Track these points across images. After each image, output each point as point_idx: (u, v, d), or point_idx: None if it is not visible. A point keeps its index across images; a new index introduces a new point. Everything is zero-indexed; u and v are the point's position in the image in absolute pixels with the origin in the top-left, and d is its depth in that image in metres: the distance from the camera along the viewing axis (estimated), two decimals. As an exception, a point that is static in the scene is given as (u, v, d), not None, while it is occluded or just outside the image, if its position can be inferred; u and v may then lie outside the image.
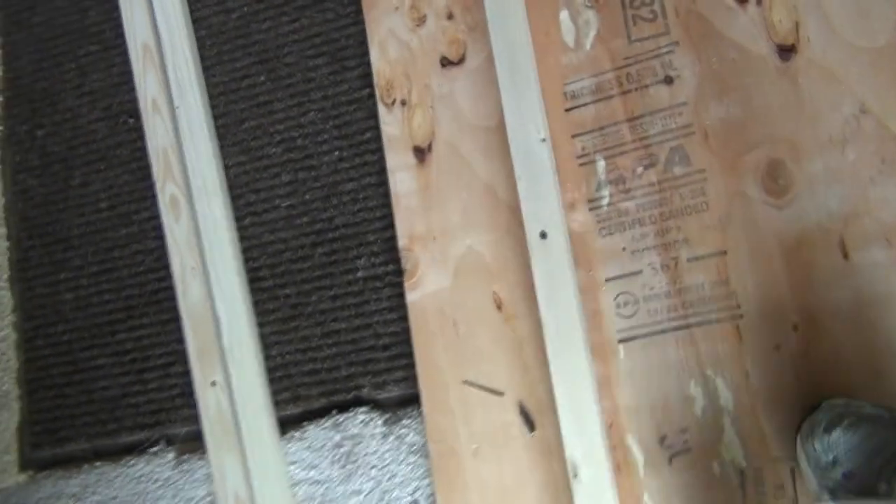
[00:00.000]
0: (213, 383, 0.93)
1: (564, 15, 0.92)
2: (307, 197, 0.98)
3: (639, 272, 0.84)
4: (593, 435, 0.80)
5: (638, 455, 0.81)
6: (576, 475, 0.79)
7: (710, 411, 0.80)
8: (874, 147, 0.80)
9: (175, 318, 0.98)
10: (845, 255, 0.79)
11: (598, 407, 0.81)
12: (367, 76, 0.99)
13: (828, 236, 0.80)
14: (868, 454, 0.67)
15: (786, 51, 0.85)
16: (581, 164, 0.89)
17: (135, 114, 1.02)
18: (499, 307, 0.88)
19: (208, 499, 0.93)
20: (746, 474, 0.77)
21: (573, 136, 0.90)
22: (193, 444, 0.96)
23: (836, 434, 0.69)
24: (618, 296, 0.84)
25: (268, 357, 0.96)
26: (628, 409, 0.82)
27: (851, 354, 0.77)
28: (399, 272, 0.92)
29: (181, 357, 0.97)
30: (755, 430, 0.78)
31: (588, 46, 0.91)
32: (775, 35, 0.85)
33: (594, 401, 0.81)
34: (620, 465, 0.81)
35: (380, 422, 0.90)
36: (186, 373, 0.96)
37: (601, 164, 0.88)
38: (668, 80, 0.88)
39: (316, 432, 0.92)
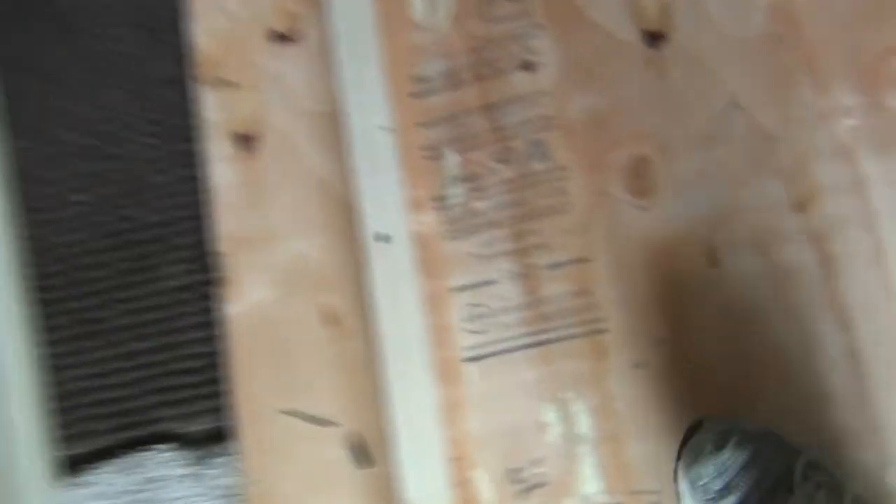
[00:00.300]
0: (-22, 417, 0.76)
1: (416, -10, 0.81)
2: (107, 191, 0.82)
3: (491, 281, 0.74)
4: (435, 470, 0.68)
5: (486, 492, 0.69)
6: (413, 520, 0.67)
7: (568, 439, 0.69)
8: (745, 145, 0.73)
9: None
10: (713, 263, 0.71)
11: (442, 438, 0.70)
12: (185, 52, 0.84)
13: (695, 242, 0.72)
14: (759, 475, 0.59)
15: (654, 37, 0.77)
16: (429, 158, 0.77)
17: None
18: (331, 322, 0.75)
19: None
20: (607, 512, 0.67)
21: (421, 126, 0.78)
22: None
23: (726, 454, 0.59)
24: (467, 308, 0.73)
25: (53, 384, 0.79)
26: (476, 439, 0.70)
27: (721, 371, 0.69)
28: (215, 281, 0.78)
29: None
30: (617, 459, 0.68)
31: (441, 25, 0.80)
32: (643, 20, 0.77)
33: (437, 431, 0.69)
34: (466, 503, 0.69)
35: (182, 460, 0.75)
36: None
37: (452, 157, 0.77)
38: (529, 67, 0.78)
39: (110, 475, 0.76)
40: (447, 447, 0.70)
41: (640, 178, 0.74)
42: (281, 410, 0.73)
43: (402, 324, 0.72)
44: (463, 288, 0.74)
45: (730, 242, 0.71)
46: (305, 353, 0.75)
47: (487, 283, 0.73)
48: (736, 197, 0.72)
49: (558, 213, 0.74)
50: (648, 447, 0.68)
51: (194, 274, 0.79)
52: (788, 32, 0.74)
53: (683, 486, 0.63)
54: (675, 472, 0.64)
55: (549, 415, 0.70)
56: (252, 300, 0.77)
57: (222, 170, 0.80)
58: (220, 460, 0.75)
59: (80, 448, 0.77)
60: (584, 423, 0.69)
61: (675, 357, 0.69)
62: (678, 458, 0.64)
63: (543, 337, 0.71)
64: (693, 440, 0.63)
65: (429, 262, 0.74)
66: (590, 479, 0.68)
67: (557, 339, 0.71)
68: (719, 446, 0.60)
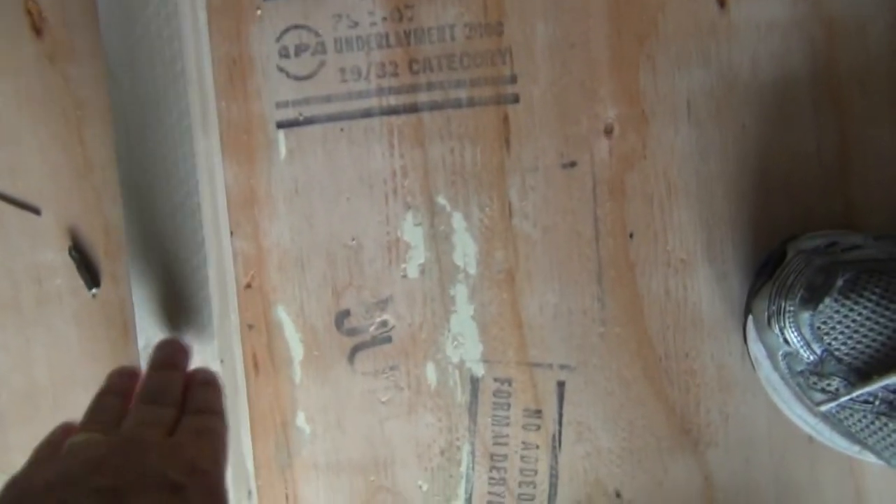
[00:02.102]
0: None
1: None
2: None
3: (336, -11, 0.42)
4: (197, 304, 0.40)
5: (293, 343, 0.42)
6: (156, 384, 0.39)
7: (435, 272, 0.42)
8: None
9: None
10: (722, 2, 0.42)
11: (221, 246, 0.41)
12: None
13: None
14: (880, 331, 0.35)
15: None
16: None
17: None
18: (36, 26, 0.42)
19: None
20: (481, 387, 0.42)
21: None
22: None
23: (827, 307, 0.35)
24: (288, 32, 0.42)
25: None
26: (284, 257, 0.42)
27: (700, 180, 0.42)
28: None
29: None
30: (509, 310, 0.42)
31: None
32: None
33: (212, 237, 0.41)
34: (258, 359, 0.42)
35: None
36: None
37: None
38: None
39: None
40: (229, 266, 0.41)
41: None
42: (-42, 177, 0.42)
43: (157, 46, 0.40)
44: (285, -4, 0.41)
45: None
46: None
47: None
48: None
49: None
50: (563, 295, 0.42)
51: None
52: None
53: (758, 351, 0.39)
54: (745, 327, 0.40)
55: (409, 229, 0.42)
56: None
57: None
58: None
59: None
60: (464, 249, 0.42)
61: (628, 153, 0.42)
62: (748, 306, 0.39)
63: (411, 98, 0.41)
64: (772, 281, 0.38)
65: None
66: (462, 339, 0.42)
67: (435, 103, 0.41)
68: (816, 293, 0.36)
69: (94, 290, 0.42)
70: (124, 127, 0.39)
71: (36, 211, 0.42)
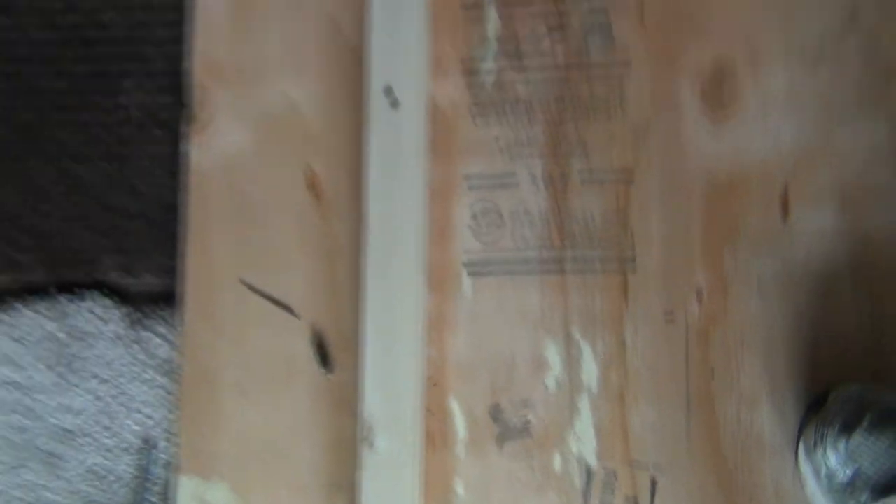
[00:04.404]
0: None
1: None
2: (68, -21, 0.67)
3: (512, 180, 0.60)
4: (405, 391, 0.57)
5: (459, 428, 0.59)
6: (370, 442, 0.56)
7: (567, 386, 0.58)
8: (855, 68, 0.58)
9: None
10: (785, 212, 0.58)
11: (419, 354, 0.58)
12: None
13: (768, 182, 0.58)
14: None
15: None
16: (467, 11, 0.62)
17: None
18: (313, 190, 0.62)
19: None
20: (594, 477, 0.57)
21: (463, -30, 0.62)
22: None
23: (857, 438, 0.49)
24: (479, 207, 0.60)
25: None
26: (460, 364, 0.59)
27: (766, 337, 0.57)
28: (179, 108, 0.64)
29: None
30: (619, 420, 0.57)
31: None
32: None
33: (417, 345, 0.58)
34: (434, 437, 0.59)
35: (119, 317, 0.64)
36: None
37: (492, 15, 0.62)
38: (609, -76, 0.62)
39: (27, 316, 0.65)
40: (423, 366, 0.58)
41: (718, 87, 0.59)
42: (242, 280, 0.62)
43: (397, 210, 0.58)
44: (478, 181, 0.60)
45: (808, 190, 0.57)
46: (278, 222, 0.62)
47: (507, 181, 0.60)
48: (828, 134, 0.58)
49: (609, 113, 0.60)
50: (659, 414, 0.57)
51: (164, 96, 0.65)
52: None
53: (806, 470, 0.53)
54: (796, 451, 0.54)
55: (551, 353, 0.58)
56: (224, 146, 0.63)
57: (211, -21, 0.64)
58: (158, 327, 0.64)
59: (3, 279, 0.65)
60: (590, 372, 0.58)
61: (711, 313, 0.57)
62: (799, 435, 0.54)
63: (561, 260, 0.59)
64: (817, 416, 0.52)
65: (441, 141, 0.61)
66: (582, 438, 0.58)
67: (577, 267, 0.59)
68: (848, 427, 0.49)
69: (328, 375, 0.60)
70: (368, 264, 0.58)
71: (296, 315, 0.60)
